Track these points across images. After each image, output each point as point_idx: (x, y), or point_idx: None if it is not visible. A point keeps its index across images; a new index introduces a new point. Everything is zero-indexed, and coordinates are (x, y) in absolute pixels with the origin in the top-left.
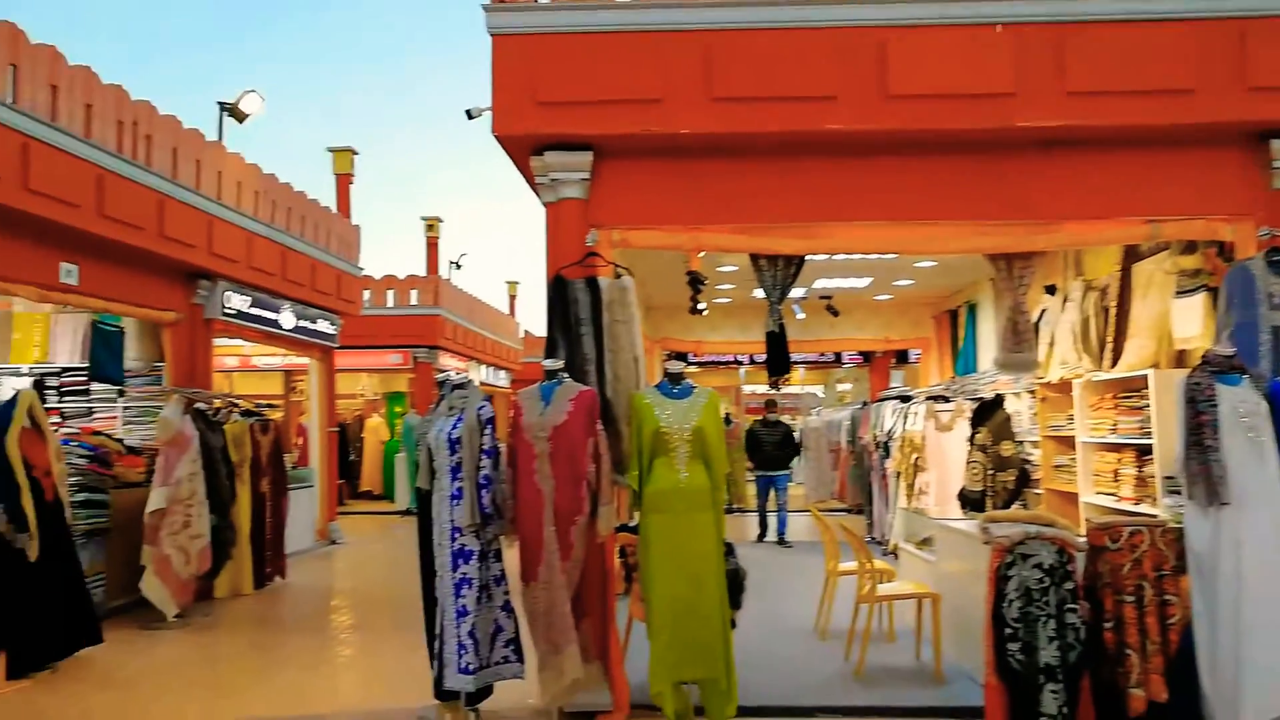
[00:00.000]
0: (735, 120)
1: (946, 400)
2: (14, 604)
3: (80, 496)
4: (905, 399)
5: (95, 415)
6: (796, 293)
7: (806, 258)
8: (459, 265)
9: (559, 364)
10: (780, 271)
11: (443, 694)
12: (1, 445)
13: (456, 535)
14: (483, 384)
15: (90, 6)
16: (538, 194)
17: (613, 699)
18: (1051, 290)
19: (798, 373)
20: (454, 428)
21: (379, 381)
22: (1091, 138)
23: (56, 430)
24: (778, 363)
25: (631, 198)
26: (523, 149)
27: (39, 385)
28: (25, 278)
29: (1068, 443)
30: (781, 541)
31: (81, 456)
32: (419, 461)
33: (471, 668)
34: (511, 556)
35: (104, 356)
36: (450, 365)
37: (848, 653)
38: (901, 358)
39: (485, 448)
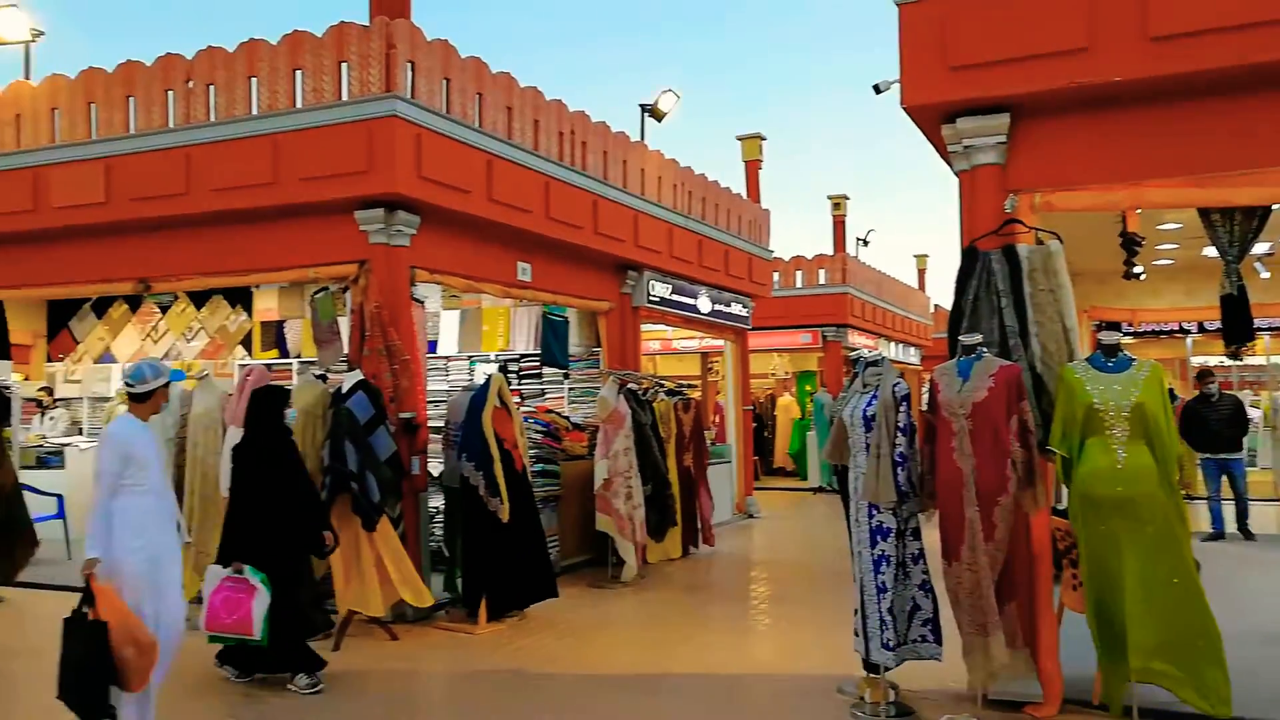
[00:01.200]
0: (1178, 59)
1: None
2: (493, 558)
3: (537, 467)
4: None
5: (546, 395)
6: (1259, 248)
7: (1273, 207)
8: (866, 242)
9: (977, 339)
10: (1238, 226)
11: (868, 666)
12: (479, 421)
13: (874, 512)
14: (892, 361)
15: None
16: (949, 163)
17: (1043, 690)
18: None
19: (1262, 341)
20: (869, 405)
21: (790, 360)
22: None
23: (519, 408)
24: (1237, 330)
25: (1055, 158)
26: (933, 118)
27: (503, 369)
28: (492, 276)
29: None
30: (1244, 532)
31: (538, 432)
32: (829, 439)
33: (891, 644)
34: (931, 534)
35: (552, 343)
36: (859, 343)
37: None
38: None
39: (900, 425)
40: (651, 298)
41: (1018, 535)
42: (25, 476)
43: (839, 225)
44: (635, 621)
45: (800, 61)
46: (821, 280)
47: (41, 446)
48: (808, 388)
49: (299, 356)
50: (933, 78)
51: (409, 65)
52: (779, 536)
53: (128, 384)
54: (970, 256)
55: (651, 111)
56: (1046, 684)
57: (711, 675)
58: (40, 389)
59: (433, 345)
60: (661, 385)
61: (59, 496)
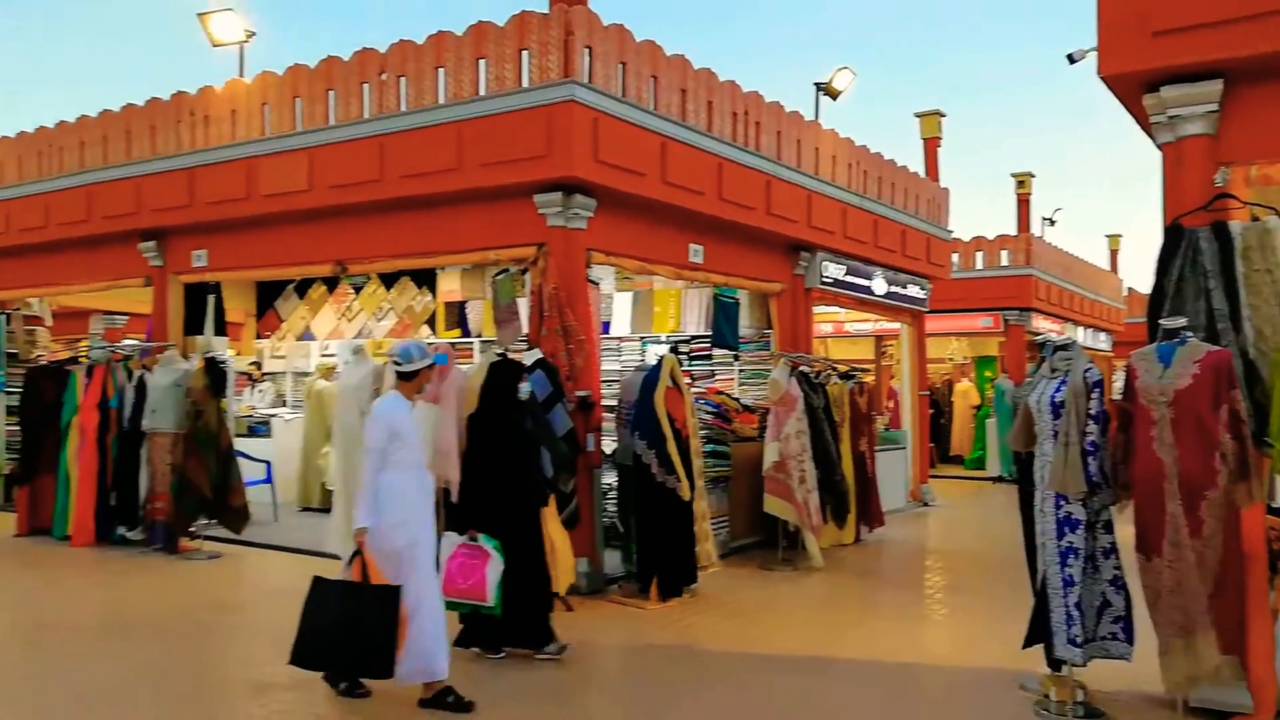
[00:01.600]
0: None
1: None
2: (666, 535)
3: (708, 448)
4: None
5: (716, 377)
6: None
7: None
8: (1052, 221)
9: (1181, 322)
10: None
11: (1052, 663)
12: (651, 400)
13: (1061, 503)
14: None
15: None
16: (1151, 135)
17: (1254, 699)
18: None
19: None
20: (1057, 390)
21: (968, 345)
22: None
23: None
24: None
25: (1275, 126)
26: (1133, 88)
27: (674, 350)
28: (664, 259)
29: None
30: None
31: (708, 413)
32: (1014, 425)
33: (1078, 640)
34: (1125, 528)
35: (723, 325)
36: (1044, 327)
37: None
38: None
39: (1092, 412)
40: (824, 279)
41: (1228, 532)
42: (237, 444)
43: (1023, 204)
44: (805, 604)
45: (982, 33)
46: (1004, 261)
47: (251, 417)
48: (987, 374)
49: (480, 335)
50: (1133, 44)
51: (586, 50)
52: (955, 526)
53: (395, 363)
54: (1174, 235)
55: (826, 89)
56: (1257, 691)
57: (883, 661)
58: (250, 363)
59: (606, 326)
60: (834, 368)
61: (267, 463)
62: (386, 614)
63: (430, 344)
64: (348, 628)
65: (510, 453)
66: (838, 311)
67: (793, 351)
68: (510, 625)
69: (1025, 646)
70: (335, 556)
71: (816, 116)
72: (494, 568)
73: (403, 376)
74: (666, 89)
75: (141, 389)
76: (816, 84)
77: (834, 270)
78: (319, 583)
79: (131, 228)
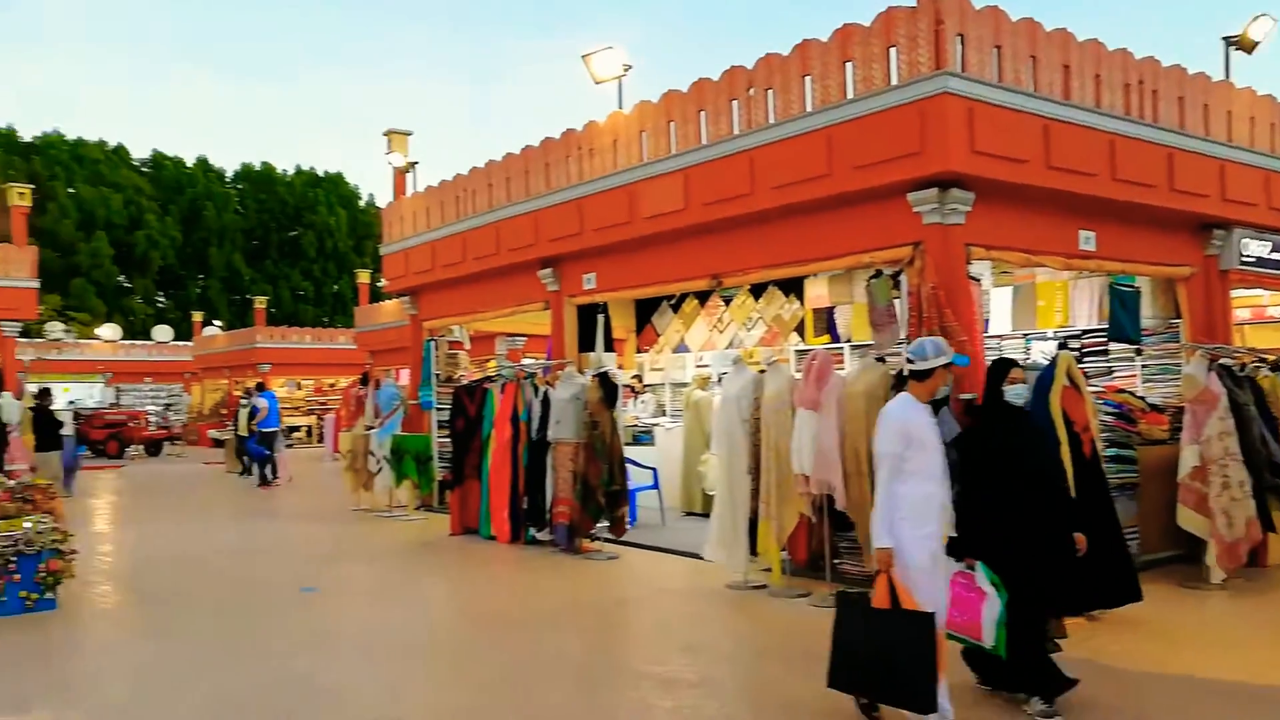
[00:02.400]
0: None
1: None
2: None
3: (1109, 451)
4: None
5: (1114, 374)
6: None
7: None
8: None
9: None
10: None
11: None
12: (1045, 402)
13: None
14: None
15: None
16: None
17: None
18: None
19: None
20: None
21: None
22: None
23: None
24: None
25: None
26: None
27: (1063, 347)
28: (1050, 248)
29: None
30: None
31: (1107, 414)
32: None
33: None
34: None
35: (1122, 317)
36: None
37: None
38: None
39: None
40: (1245, 258)
41: None
42: (626, 452)
43: None
44: (1243, 628)
45: None
46: None
47: (636, 426)
48: None
49: (849, 340)
50: None
51: (958, 39)
52: None
53: (908, 360)
54: None
55: (1239, 43)
56: None
57: None
58: (633, 376)
59: (985, 324)
60: (1263, 359)
61: (654, 470)
62: (922, 643)
63: (804, 350)
64: (881, 656)
65: (1005, 468)
66: (1260, 294)
67: (1208, 342)
68: (1015, 667)
69: None
70: (698, 556)
71: (1227, 75)
72: (990, 607)
73: (916, 376)
74: (1047, 68)
75: (546, 403)
76: (1225, 38)
77: (1256, 248)
78: (845, 602)
79: (532, 257)
